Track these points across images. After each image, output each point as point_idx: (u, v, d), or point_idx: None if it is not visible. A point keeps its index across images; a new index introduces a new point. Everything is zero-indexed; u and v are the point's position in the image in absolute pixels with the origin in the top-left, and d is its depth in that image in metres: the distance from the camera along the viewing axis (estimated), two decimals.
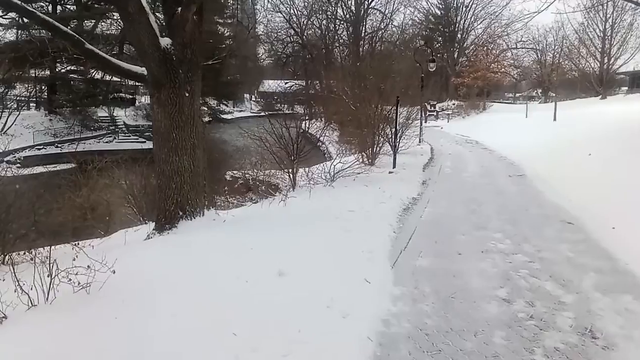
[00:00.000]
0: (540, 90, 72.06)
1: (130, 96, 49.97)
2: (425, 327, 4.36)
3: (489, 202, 10.28)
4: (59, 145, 33.87)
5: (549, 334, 4.24)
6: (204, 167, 7.79)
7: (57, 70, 36.58)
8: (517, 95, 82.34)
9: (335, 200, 9.94)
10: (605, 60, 46.64)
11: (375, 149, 16.64)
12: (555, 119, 26.91)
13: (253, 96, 77.90)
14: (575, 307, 4.80)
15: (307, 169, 14.30)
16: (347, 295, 4.76)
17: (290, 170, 13.14)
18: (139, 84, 53.99)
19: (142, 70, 7.63)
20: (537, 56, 61.91)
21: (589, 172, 12.70)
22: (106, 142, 37.10)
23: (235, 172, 17.11)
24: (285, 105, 53.50)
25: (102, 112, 40.11)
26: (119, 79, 48.03)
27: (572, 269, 5.87)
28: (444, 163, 17.28)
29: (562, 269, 5.90)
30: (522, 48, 59.94)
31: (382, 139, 17.31)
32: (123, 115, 41.82)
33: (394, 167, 15.17)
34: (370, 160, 16.29)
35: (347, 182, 12.57)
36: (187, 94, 7.47)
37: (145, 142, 37.94)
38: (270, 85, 66.46)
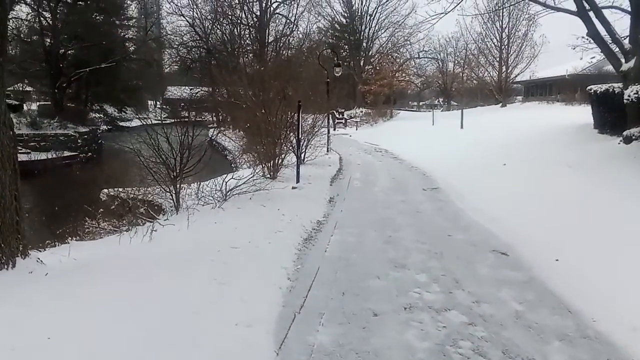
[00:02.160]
0: (442, 99, 74.47)
1: (16, 102, 44.65)
2: None
3: (405, 226, 8.69)
4: None
5: None
6: (14, 195, 5.41)
7: None
8: (421, 103, 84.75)
9: (220, 230, 7.90)
10: (504, 69, 48.18)
11: (277, 160, 14.74)
12: (462, 127, 26.51)
13: (158, 103, 73.85)
14: None
15: (199, 184, 12.11)
16: None
17: (172, 188, 10.88)
18: (30, 88, 48.79)
19: None
20: (439, 65, 63.67)
21: (507, 185, 11.62)
22: None
23: (112, 190, 14.41)
24: (193, 113, 50.21)
25: None
26: None
27: (529, 336, 4.25)
28: (354, 175, 15.74)
29: (515, 335, 4.26)
30: (424, 57, 61.19)
31: (285, 149, 15.49)
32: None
33: (297, 181, 13.33)
34: (272, 174, 14.37)
35: (241, 202, 10.55)
36: None
37: (30, 152, 33.70)
38: (176, 91, 63.00)
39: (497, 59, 49.10)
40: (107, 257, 6.44)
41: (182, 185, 11.93)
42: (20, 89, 49.67)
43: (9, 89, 49.06)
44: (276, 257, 6.38)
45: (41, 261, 5.70)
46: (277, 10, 51.01)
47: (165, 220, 9.96)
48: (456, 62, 59.11)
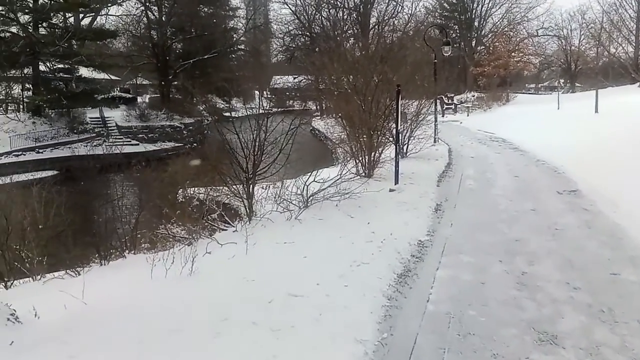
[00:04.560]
0: (564, 80, 67.45)
1: (130, 95, 46.70)
2: None
3: (544, 254, 6.16)
4: (40, 150, 30.43)
5: None
6: None
7: (39, 68, 32.82)
8: (540, 85, 77.73)
9: (285, 258, 5.94)
10: None
11: (374, 155, 12.55)
12: (597, 111, 22.51)
13: (265, 93, 74.77)
14: None
15: (283, 184, 10.29)
16: None
17: (243, 192, 9.14)
18: (145, 80, 50.68)
19: None
20: (561, 42, 57.42)
21: None
22: (95, 145, 33.31)
23: (189, 190, 13.09)
24: (297, 102, 49.68)
25: (94, 113, 36.45)
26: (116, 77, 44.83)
27: None
28: (466, 172, 13.10)
29: None
30: (544, 35, 55.40)
31: (384, 141, 13.23)
32: (117, 115, 38.04)
33: (396, 181, 11.05)
34: (367, 171, 12.25)
35: (325, 210, 8.57)
36: None
37: (138, 144, 34.65)
38: (282, 80, 63.10)
39: (634, 32, 42.69)
40: (117, 307, 4.68)
41: (262, 184, 10.34)
42: (136, 82, 52.04)
43: (127, 83, 51.58)
44: (352, 316, 4.26)
45: (15, 319, 4.08)
46: None
47: (234, 231, 8.37)
48: (582, 38, 52.65)
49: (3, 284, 7.45)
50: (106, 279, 6.09)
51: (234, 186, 9.49)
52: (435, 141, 19.22)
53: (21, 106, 35.80)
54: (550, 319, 4.36)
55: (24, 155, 29.10)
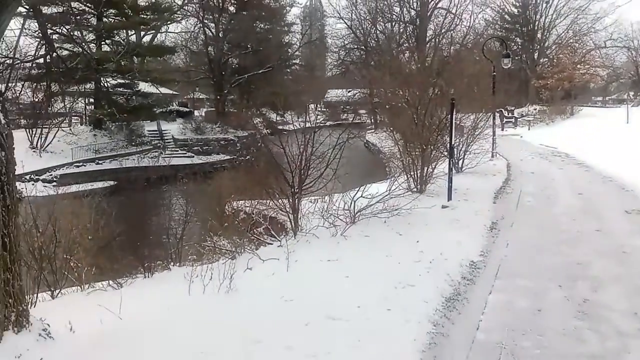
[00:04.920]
0: (633, 93, 64.19)
1: (187, 109, 48.10)
2: None
3: (609, 280, 5.60)
4: (100, 161, 31.65)
5: None
6: (3, 241, 3.64)
7: (100, 83, 34.28)
8: (607, 98, 74.41)
9: (327, 276, 5.67)
10: None
11: (426, 169, 12.13)
12: None
13: (319, 106, 75.22)
14: None
15: (331, 198, 10.10)
16: None
17: (288, 206, 8.95)
18: (202, 94, 52.27)
19: None
20: (632, 54, 54.78)
21: None
22: (152, 157, 34.33)
23: (236, 202, 13.06)
24: (350, 115, 49.68)
25: (152, 126, 37.64)
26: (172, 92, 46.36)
27: None
28: (525, 188, 12.42)
29: None
30: (613, 47, 52.93)
31: (437, 155, 12.78)
32: (174, 128, 39.13)
33: (449, 197, 10.58)
34: (418, 186, 11.83)
35: (373, 227, 8.26)
36: None
37: (193, 156, 35.48)
38: (336, 94, 63.36)
39: None
40: (151, 324, 4.50)
41: (310, 197, 10.18)
42: (194, 96, 53.59)
43: (185, 97, 53.29)
44: (393, 344, 3.92)
45: (47, 334, 3.97)
46: (439, 4, 47.83)
47: (278, 246, 8.18)
48: None
49: (50, 292, 7.53)
50: (145, 293, 6.01)
51: (280, 200, 9.36)
52: (493, 156, 18.48)
53: (83, 119, 37.44)
54: (615, 354, 3.90)
55: (84, 166, 30.30)
